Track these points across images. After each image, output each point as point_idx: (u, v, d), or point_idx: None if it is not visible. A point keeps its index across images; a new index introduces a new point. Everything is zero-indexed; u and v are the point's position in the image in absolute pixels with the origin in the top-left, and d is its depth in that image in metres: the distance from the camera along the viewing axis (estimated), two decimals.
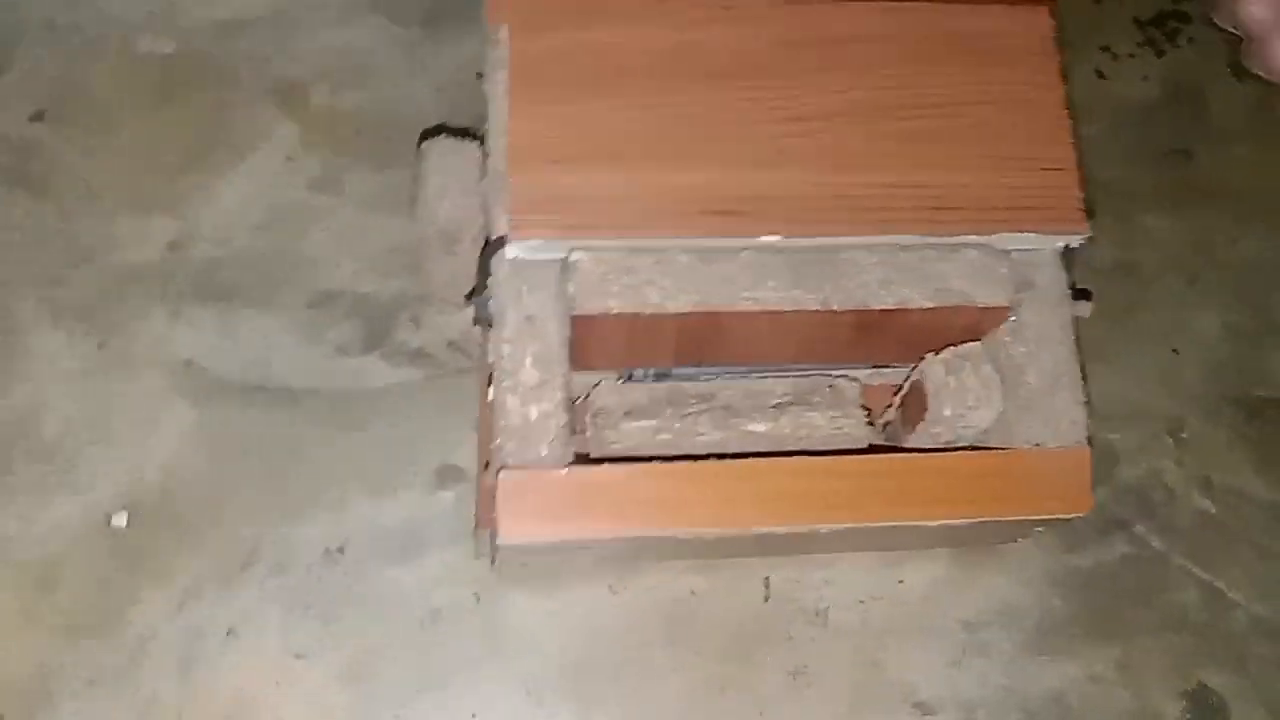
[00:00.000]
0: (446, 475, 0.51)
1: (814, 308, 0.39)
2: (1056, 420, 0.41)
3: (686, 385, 0.45)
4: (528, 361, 0.39)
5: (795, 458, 0.40)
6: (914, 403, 0.44)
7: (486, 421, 0.45)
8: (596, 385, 0.46)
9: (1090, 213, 0.42)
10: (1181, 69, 0.63)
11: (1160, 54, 0.64)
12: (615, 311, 0.39)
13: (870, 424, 0.46)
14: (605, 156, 0.39)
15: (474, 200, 0.44)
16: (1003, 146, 0.41)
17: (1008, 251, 0.41)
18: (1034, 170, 0.41)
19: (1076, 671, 0.50)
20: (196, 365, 0.52)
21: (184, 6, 0.59)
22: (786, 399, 0.46)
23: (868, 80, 0.41)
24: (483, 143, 0.44)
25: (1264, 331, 0.58)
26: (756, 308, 0.39)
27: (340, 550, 0.49)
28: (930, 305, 0.40)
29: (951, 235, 0.40)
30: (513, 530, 0.38)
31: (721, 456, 0.40)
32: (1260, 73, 0.42)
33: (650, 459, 0.40)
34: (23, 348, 0.51)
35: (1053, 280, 0.42)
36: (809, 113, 0.40)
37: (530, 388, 0.39)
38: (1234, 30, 0.41)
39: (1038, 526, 0.44)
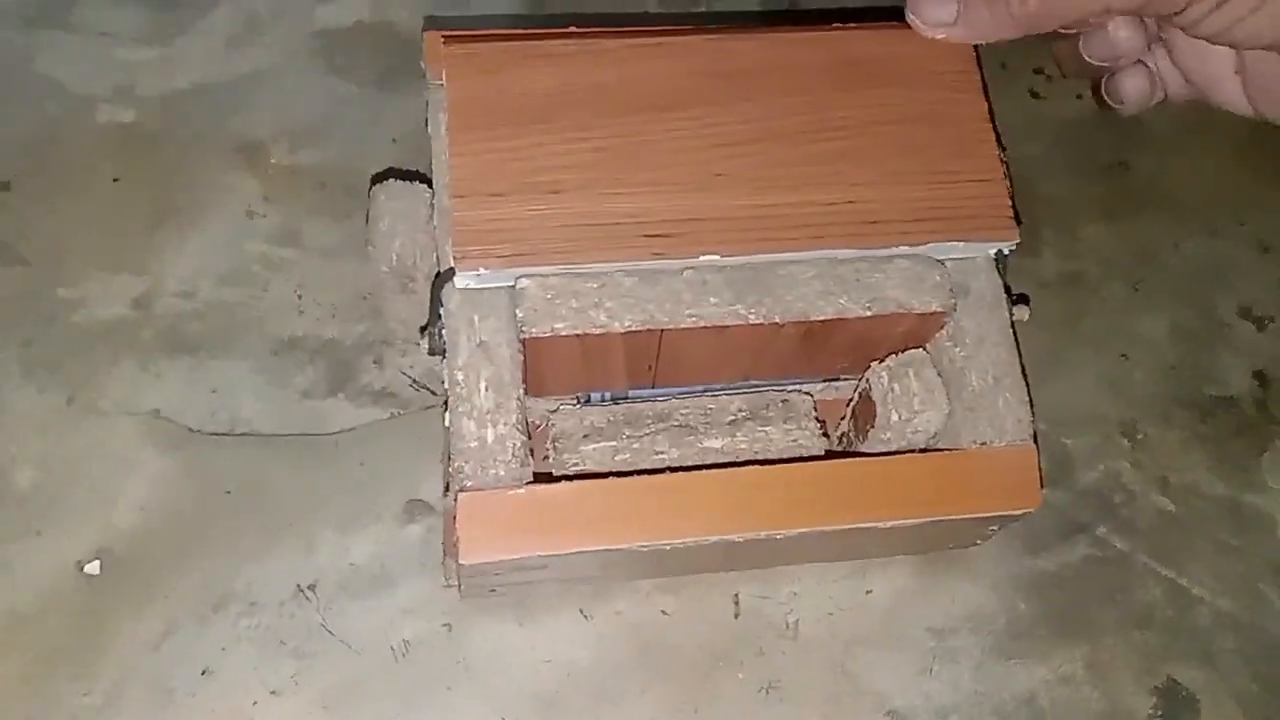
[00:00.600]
0: (414, 510, 0.52)
1: (756, 321, 0.41)
2: (1001, 420, 0.42)
3: (643, 406, 0.47)
4: (482, 386, 0.40)
5: (749, 467, 0.41)
6: (864, 411, 0.45)
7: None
8: (555, 410, 0.47)
9: (1020, 220, 0.43)
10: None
11: None
12: (564, 333, 0.40)
13: (824, 435, 0.47)
14: (544, 187, 0.40)
15: (425, 238, 0.45)
16: (930, 161, 0.42)
17: (941, 260, 0.43)
18: (962, 182, 0.43)
19: (1046, 673, 0.50)
20: (164, 415, 0.53)
21: (143, 78, 0.60)
22: (742, 414, 0.47)
23: (793, 105, 0.42)
24: (430, 184, 0.46)
25: (1210, 332, 0.59)
26: (700, 323, 0.40)
27: (311, 587, 0.50)
28: (868, 314, 0.41)
29: (884, 247, 0.42)
30: (472, 550, 0.38)
31: (678, 470, 0.41)
32: (1118, 105, 0.44)
33: (607, 475, 0.41)
34: None
35: (988, 285, 0.44)
36: (737, 138, 0.42)
37: (485, 411, 0.40)
38: (1099, 64, 0.43)
39: (992, 525, 0.45)
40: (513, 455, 0.40)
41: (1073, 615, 0.52)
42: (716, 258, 0.41)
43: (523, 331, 0.40)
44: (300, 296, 0.57)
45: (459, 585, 0.47)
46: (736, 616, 0.50)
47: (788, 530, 0.40)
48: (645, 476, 0.40)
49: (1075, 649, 0.51)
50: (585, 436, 0.45)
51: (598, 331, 0.40)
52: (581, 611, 0.50)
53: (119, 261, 0.56)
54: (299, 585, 0.50)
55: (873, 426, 0.44)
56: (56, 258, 0.56)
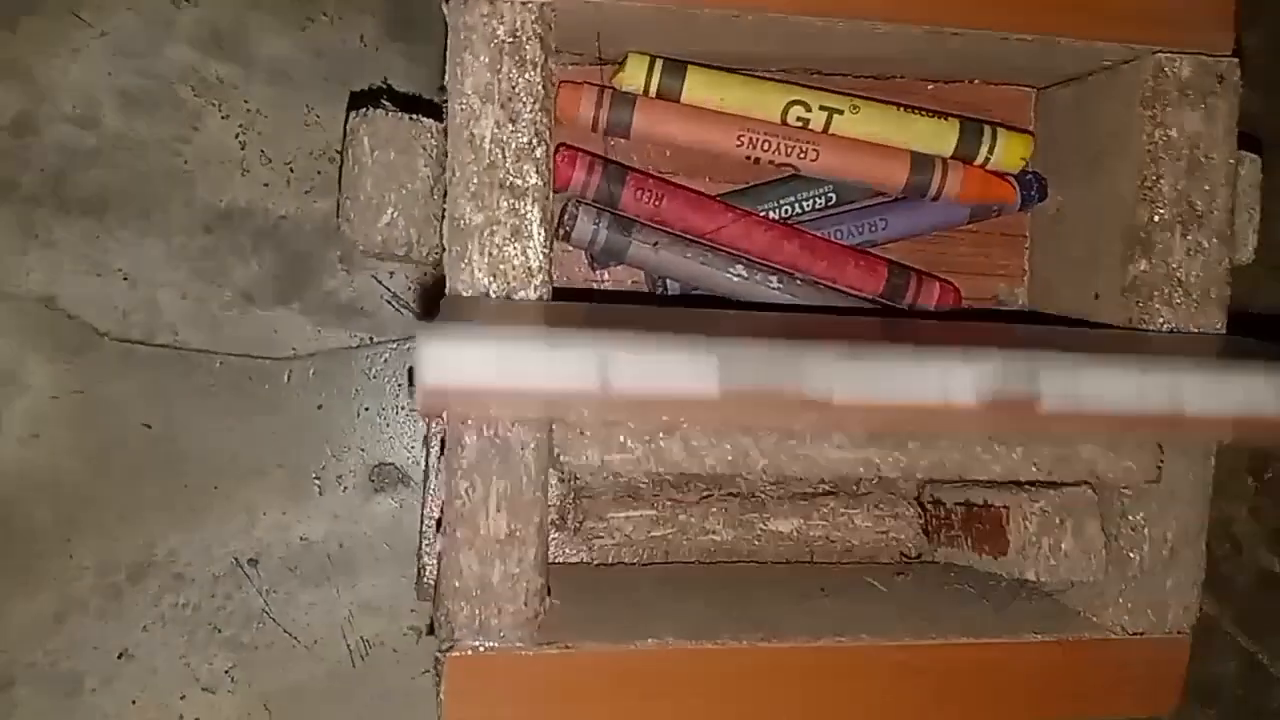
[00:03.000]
0: (384, 477, 0.41)
1: None
2: (1163, 605, 0.32)
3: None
4: (492, 503, 0.29)
5: (820, 646, 0.31)
6: (990, 531, 0.34)
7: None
8: (584, 452, 0.35)
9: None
10: None
11: None
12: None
13: (925, 528, 0.36)
14: None
15: (424, 210, 0.31)
16: None
17: None
18: None
19: None
20: (59, 307, 0.40)
21: None
22: (824, 486, 0.36)
23: None
24: (440, 116, 0.30)
25: None
26: None
27: (252, 563, 0.41)
28: None
29: None
30: None
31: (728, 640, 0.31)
32: None
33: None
34: None
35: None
36: None
37: (495, 540, 0.29)
38: None
39: None
40: (524, 603, 0.29)
41: None
42: None
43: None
44: (243, 143, 0.41)
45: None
46: None
47: None
48: (689, 650, 0.30)
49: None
50: (617, 499, 0.35)
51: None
52: None
53: None
54: (236, 560, 0.40)
55: (994, 558, 0.34)
56: None
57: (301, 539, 0.41)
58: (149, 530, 0.40)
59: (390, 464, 0.41)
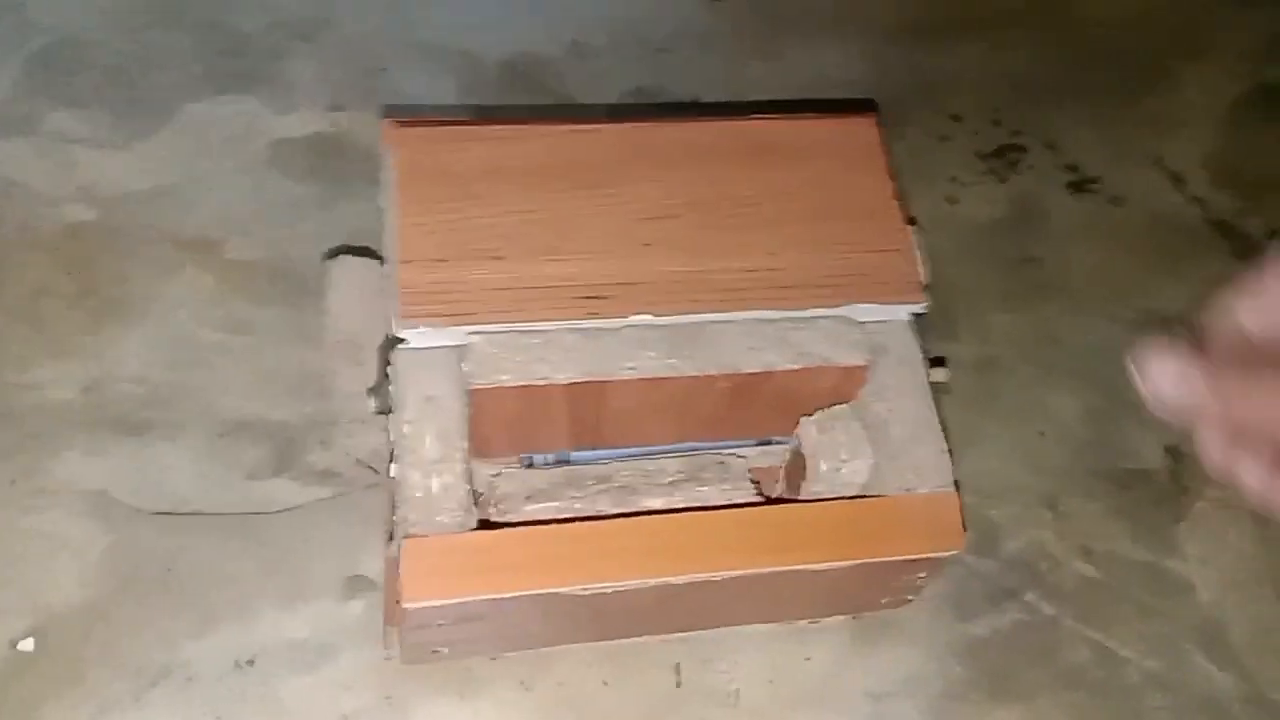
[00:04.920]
0: (355, 585, 0.52)
1: (690, 373, 0.43)
2: (922, 467, 0.45)
3: (585, 469, 0.48)
4: (428, 438, 0.42)
5: (683, 513, 0.42)
6: (795, 467, 0.47)
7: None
8: (498, 475, 0.48)
9: (928, 285, 0.47)
10: (1023, 191, 0.71)
11: (1003, 180, 0.72)
12: (508, 384, 0.42)
13: (760, 495, 0.49)
14: (485, 254, 0.44)
15: (375, 309, 0.47)
16: (840, 233, 0.46)
17: (861, 322, 0.46)
18: (871, 251, 0.46)
19: None
20: (109, 495, 0.53)
21: (106, 179, 0.63)
22: (680, 476, 0.48)
23: (711, 183, 0.46)
24: (383, 261, 0.48)
25: (1121, 411, 0.63)
26: (637, 376, 0.43)
27: (250, 662, 0.50)
28: (794, 367, 0.44)
29: (803, 309, 0.45)
30: (415, 593, 0.39)
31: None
32: None
33: (547, 522, 0.42)
34: None
35: (905, 345, 0.47)
36: (660, 212, 0.46)
37: (431, 462, 0.42)
38: None
39: (920, 573, 0.47)
40: (457, 504, 0.41)
41: (1006, 677, 0.53)
42: (649, 317, 0.44)
43: (469, 383, 0.42)
44: (252, 381, 0.58)
45: (400, 648, 0.47)
46: (678, 685, 0.51)
47: (723, 572, 0.41)
48: (584, 522, 0.42)
49: (1009, 710, 0.52)
50: (528, 497, 0.47)
51: (540, 383, 0.42)
52: (522, 683, 0.50)
53: (75, 349, 0.57)
54: (238, 660, 0.50)
55: (804, 479, 0.46)
56: (14, 347, 0.57)
57: (291, 638, 0.50)
58: (171, 643, 0.49)
59: (360, 575, 0.52)
